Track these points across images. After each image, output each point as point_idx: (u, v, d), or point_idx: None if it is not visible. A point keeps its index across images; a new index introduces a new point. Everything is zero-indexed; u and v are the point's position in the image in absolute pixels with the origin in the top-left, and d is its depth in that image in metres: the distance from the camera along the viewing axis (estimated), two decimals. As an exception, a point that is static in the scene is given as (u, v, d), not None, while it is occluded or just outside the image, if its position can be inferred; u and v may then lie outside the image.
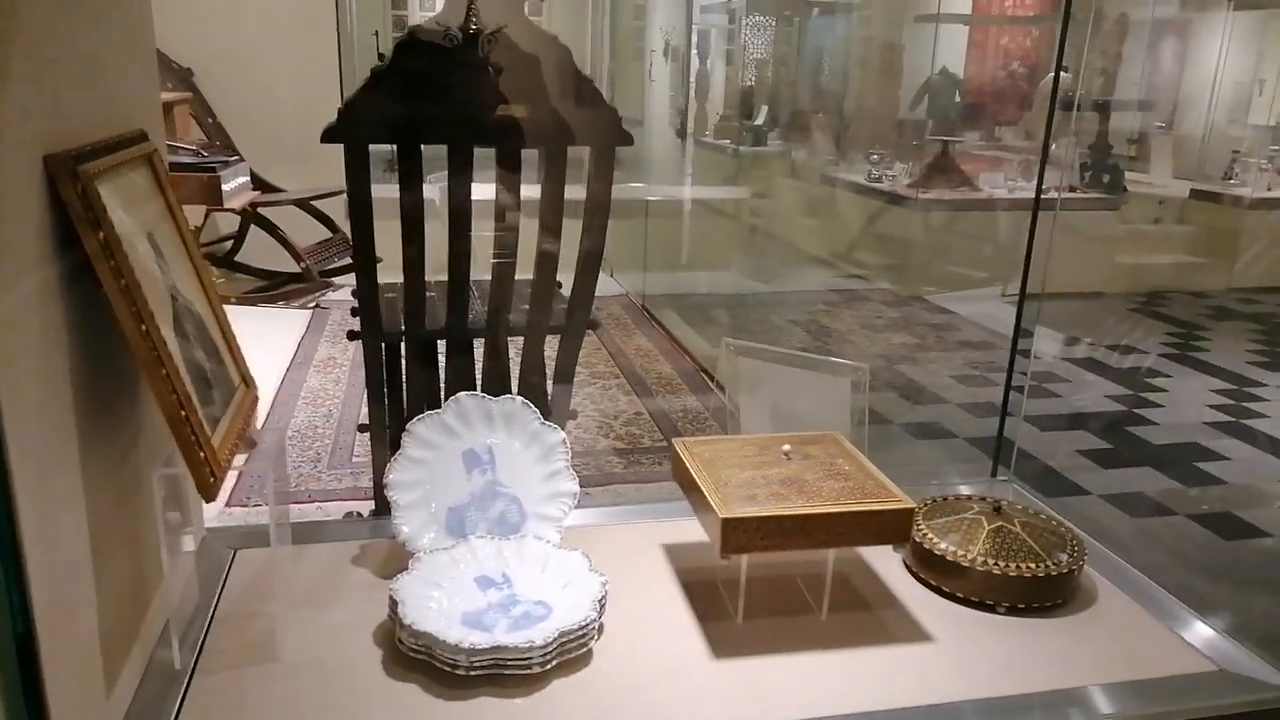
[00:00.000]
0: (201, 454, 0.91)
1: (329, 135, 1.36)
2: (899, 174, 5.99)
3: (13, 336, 0.75)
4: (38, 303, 0.81)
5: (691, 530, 1.37)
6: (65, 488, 0.84)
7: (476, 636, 1.06)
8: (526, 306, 1.70)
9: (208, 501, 0.91)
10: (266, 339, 3.59)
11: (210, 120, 4.23)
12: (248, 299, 4.11)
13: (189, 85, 4.17)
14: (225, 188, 3.48)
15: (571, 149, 1.49)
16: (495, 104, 1.42)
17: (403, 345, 1.63)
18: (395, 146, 1.40)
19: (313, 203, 4.15)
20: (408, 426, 1.30)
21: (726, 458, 1.26)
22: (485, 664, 1.04)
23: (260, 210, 4.00)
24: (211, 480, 0.92)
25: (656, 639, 1.16)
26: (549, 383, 1.63)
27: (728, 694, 1.07)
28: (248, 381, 1.16)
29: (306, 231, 4.27)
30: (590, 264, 1.62)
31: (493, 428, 1.33)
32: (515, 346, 1.60)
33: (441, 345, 1.63)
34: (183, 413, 0.89)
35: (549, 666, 1.06)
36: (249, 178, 3.94)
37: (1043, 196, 1.88)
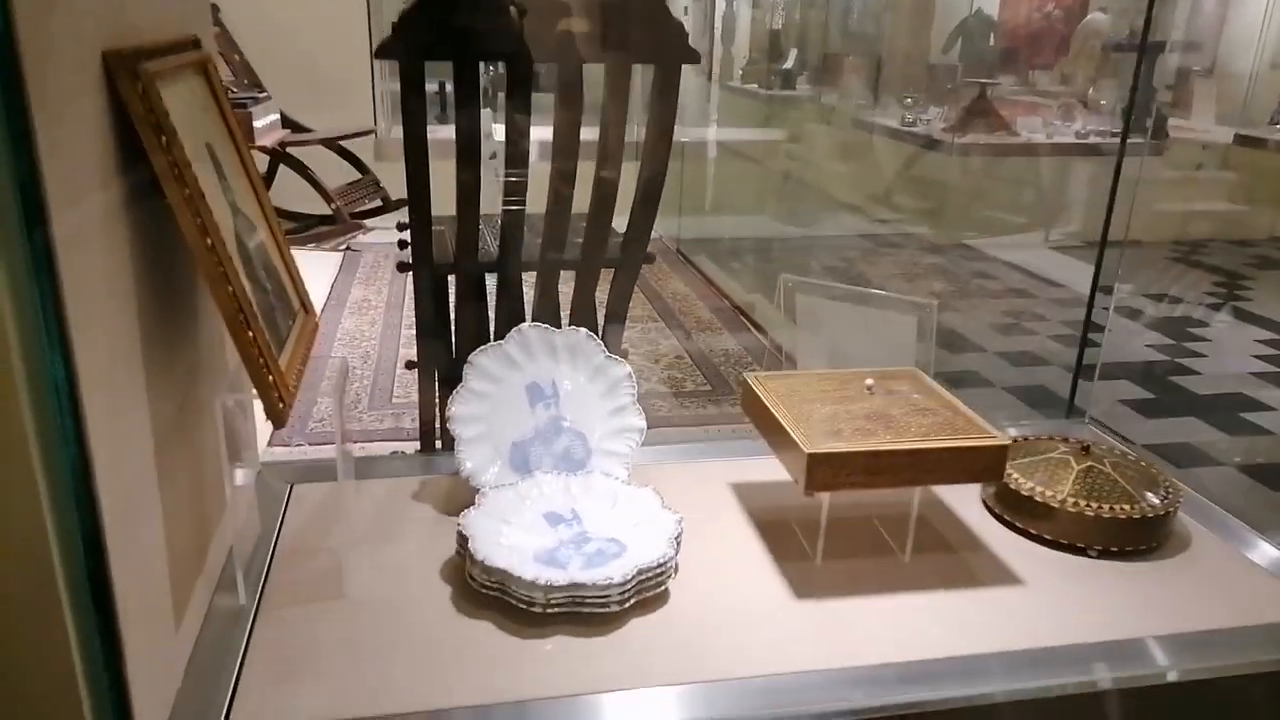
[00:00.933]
0: (270, 376, 0.86)
1: (382, 51, 1.28)
2: (934, 118, 5.83)
3: (78, 241, 0.69)
4: (101, 212, 0.75)
5: (760, 469, 1.32)
6: (130, 406, 0.79)
7: (552, 573, 1.01)
8: (579, 240, 1.64)
9: (277, 426, 0.86)
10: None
11: (237, 58, 4.14)
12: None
13: (215, 20, 4.07)
14: (256, 124, 3.41)
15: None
16: (556, 17, 1.34)
17: (451, 280, 1.58)
18: (451, 65, 1.33)
19: (342, 143, 4.08)
20: (470, 358, 1.24)
21: (804, 392, 1.20)
22: (562, 601, 1.00)
23: (289, 150, 3.93)
24: (280, 405, 0.87)
25: (734, 579, 1.11)
26: (600, 320, 1.57)
27: (812, 636, 1.02)
28: (307, 307, 1.11)
29: (336, 173, 4.20)
30: (650, 194, 1.55)
31: (556, 360, 1.28)
32: (564, 285, 1.53)
33: (491, 285, 1.58)
34: (249, 333, 0.84)
35: (627, 605, 1.01)
36: (279, 116, 3.86)
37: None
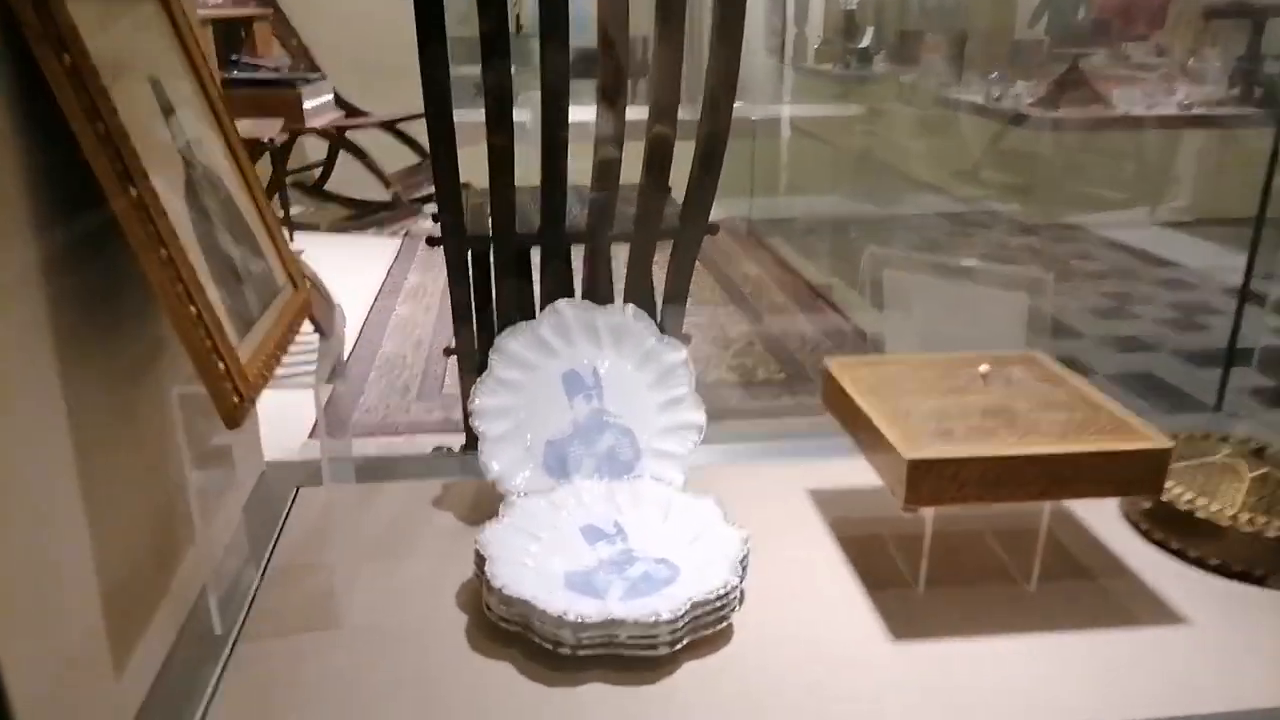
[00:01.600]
0: (220, 364, 0.68)
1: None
2: (1022, 93, 5.47)
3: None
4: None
5: (846, 472, 1.11)
6: (34, 405, 0.62)
7: (585, 606, 0.81)
8: (633, 210, 1.44)
9: (230, 428, 0.69)
10: (355, 267, 3.43)
11: (294, 41, 4.05)
12: (337, 227, 3.96)
13: (270, 3, 3.99)
14: (306, 105, 3.29)
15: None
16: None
17: (491, 254, 1.39)
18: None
19: (400, 127, 3.95)
20: (496, 342, 1.05)
21: (901, 382, 0.97)
22: (597, 642, 0.80)
23: (347, 135, 3.82)
24: (236, 401, 0.69)
25: (814, 613, 0.90)
26: (659, 300, 1.36)
27: (914, 687, 0.80)
28: (297, 282, 0.93)
29: (395, 158, 4.08)
30: (712, 154, 1.34)
31: (598, 344, 1.08)
32: (618, 261, 1.33)
33: (536, 263, 1.39)
34: (192, 308, 0.66)
35: (679, 646, 0.81)
36: (332, 97, 3.75)
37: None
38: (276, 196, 3.72)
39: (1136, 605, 0.91)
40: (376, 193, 4.05)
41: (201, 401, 0.78)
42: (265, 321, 0.81)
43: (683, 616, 0.80)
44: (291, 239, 3.51)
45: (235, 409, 0.69)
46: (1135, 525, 1.02)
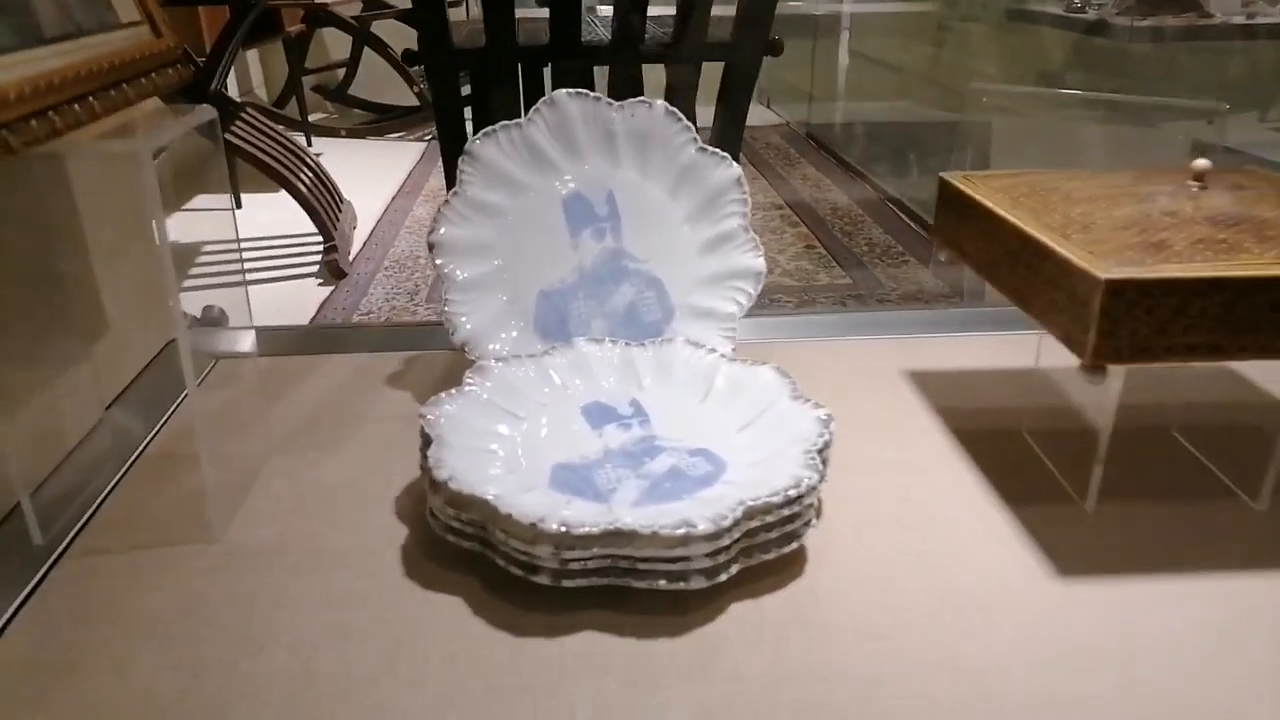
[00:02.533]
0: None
1: None
2: (1107, 2, 4.94)
3: None
4: None
5: (955, 350, 0.81)
6: None
7: (580, 510, 0.52)
8: (665, 34, 1.11)
9: None
10: (374, 169, 3.14)
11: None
12: (358, 133, 3.67)
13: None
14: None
15: None
16: None
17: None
18: None
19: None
20: (468, 146, 0.74)
21: (1068, 192, 0.64)
22: (592, 568, 0.50)
23: (372, 30, 3.50)
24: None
25: (929, 538, 0.59)
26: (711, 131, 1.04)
27: (1085, 648, 0.50)
28: (160, 30, 0.63)
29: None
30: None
31: (615, 156, 0.76)
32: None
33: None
34: None
35: (723, 576, 0.51)
36: (349, -23, 3.42)
37: None
38: (293, 98, 3.44)
39: None
40: (401, 97, 3.74)
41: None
42: (74, 47, 0.51)
43: (730, 529, 0.50)
44: (310, 144, 3.23)
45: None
46: None
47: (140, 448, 0.69)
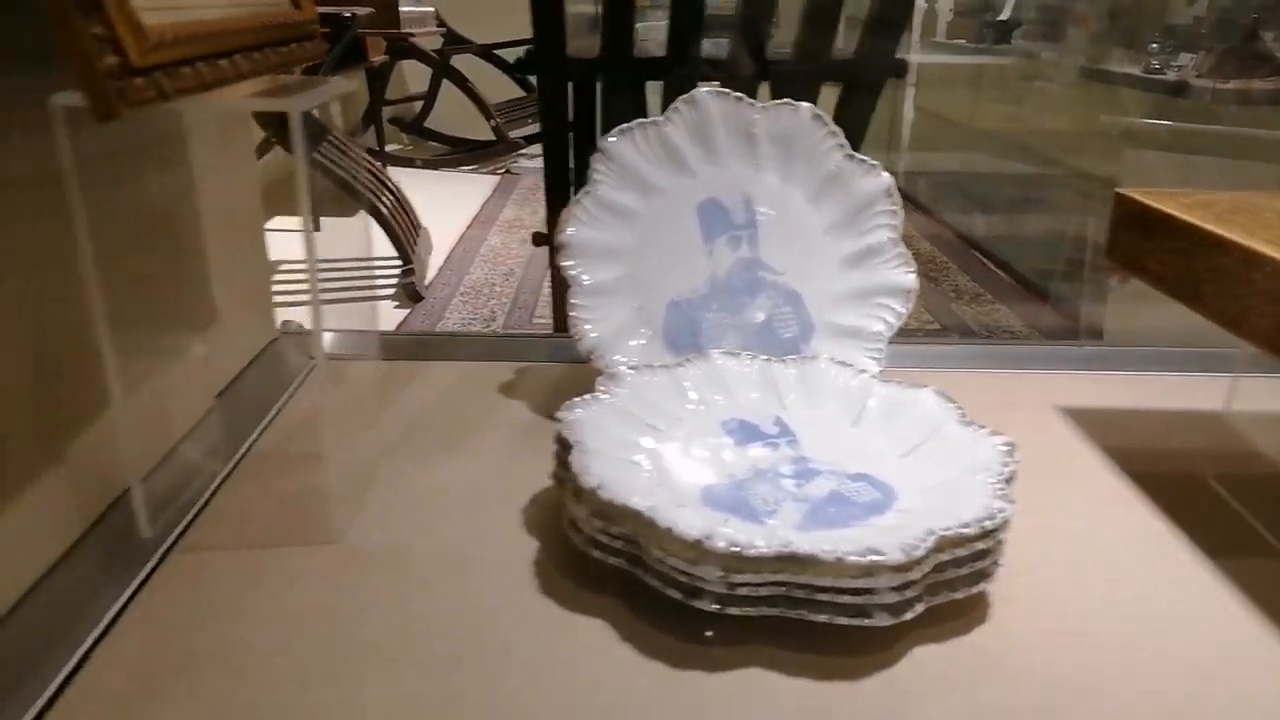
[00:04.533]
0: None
1: None
2: (1186, 64, 4.85)
3: None
4: None
5: (1109, 388, 0.74)
6: None
7: (742, 530, 0.46)
8: (784, 52, 1.07)
9: (100, 119, 0.36)
10: (448, 199, 3.15)
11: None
12: (433, 164, 3.70)
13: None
14: (403, 9, 3.03)
15: None
16: None
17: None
18: None
19: (502, 56, 3.66)
20: (601, 143, 0.70)
21: (1270, 208, 0.58)
22: (763, 594, 0.45)
23: (451, 62, 3.55)
24: (112, 62, 0.36)
25: (1126, 586, 0.52)
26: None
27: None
28: (299, 3, 0.60)
29: (496, 92, 3.80)
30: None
31: (755, 160, 0.72)
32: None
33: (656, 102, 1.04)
34: None
35: (907, 614, 0.45)
36: (434, 11, 3.48)
37: None
38: (372, 127, 3.49)
39: None
40: (476, 131, 3.77)
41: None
42: (224, 3, 0.48)
43: (921, 561, 0.44)
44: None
45: (107, 76, 0.36)
46: None
47: (246, 445, 0.65)
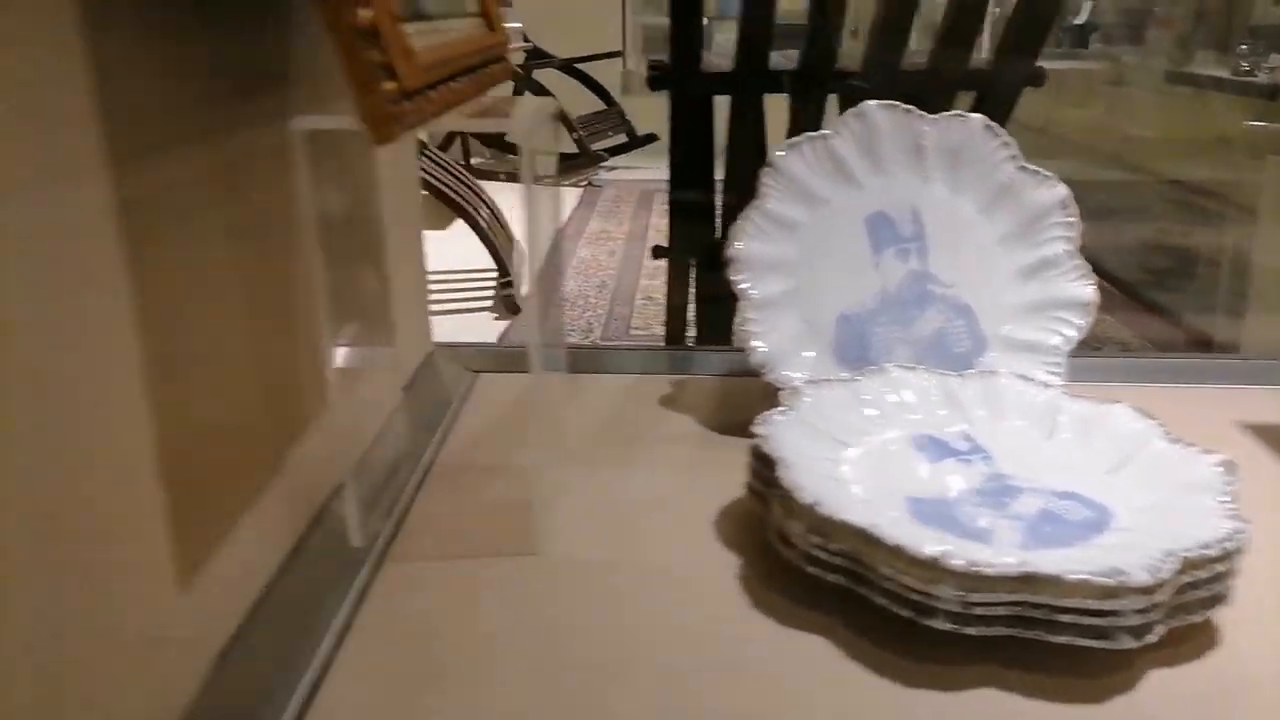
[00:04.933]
0: (362, 9, 0.36)
1: None
2: (1278, 65, 4.66)
3: None
4: None
5: None
6: (61, 170, 0.32)
7: (966, 548, 0.45)
8: (917, 65, 1.06)
9: (379, 136, 0.37)
10: (531, 213, 3.19)
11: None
12: (516, 177, 3.76)
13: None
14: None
15: None
16: None
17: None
18: None
19: (588, 74, 3.71)
20: (772, 158, 0.70)
21: None
22: (998, 614, 0.44)
23: (534, 76, 3.61)
24: (390, 87, 0.37)
25: (1359, 603, 0.50)
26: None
27: None
28: (492, 24, 0.61)
29: (578, 106, 3.85)
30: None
31: (924, 171, 0.71)
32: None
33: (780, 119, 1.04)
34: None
35: (1150, 636, 0.44)
36: (520, 25, 3.54)
37: None
38: (458, 139, 3.55)
39: None
40: (559, 145, 3.83)
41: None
42: (447, 28, 0.49)
43: (1166, 583, 0.43)
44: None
45: (385, 100, 0.37)
46: None
47: (429, 456, 0.67)
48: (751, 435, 0.55)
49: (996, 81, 1.04)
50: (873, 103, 0.70)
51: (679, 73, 1.03)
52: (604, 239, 2.86)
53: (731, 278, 0.69)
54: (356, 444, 0.62)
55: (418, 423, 0.71)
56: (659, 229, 2.89)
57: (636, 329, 2.10)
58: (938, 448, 0.59)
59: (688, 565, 0.54)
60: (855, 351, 0.69)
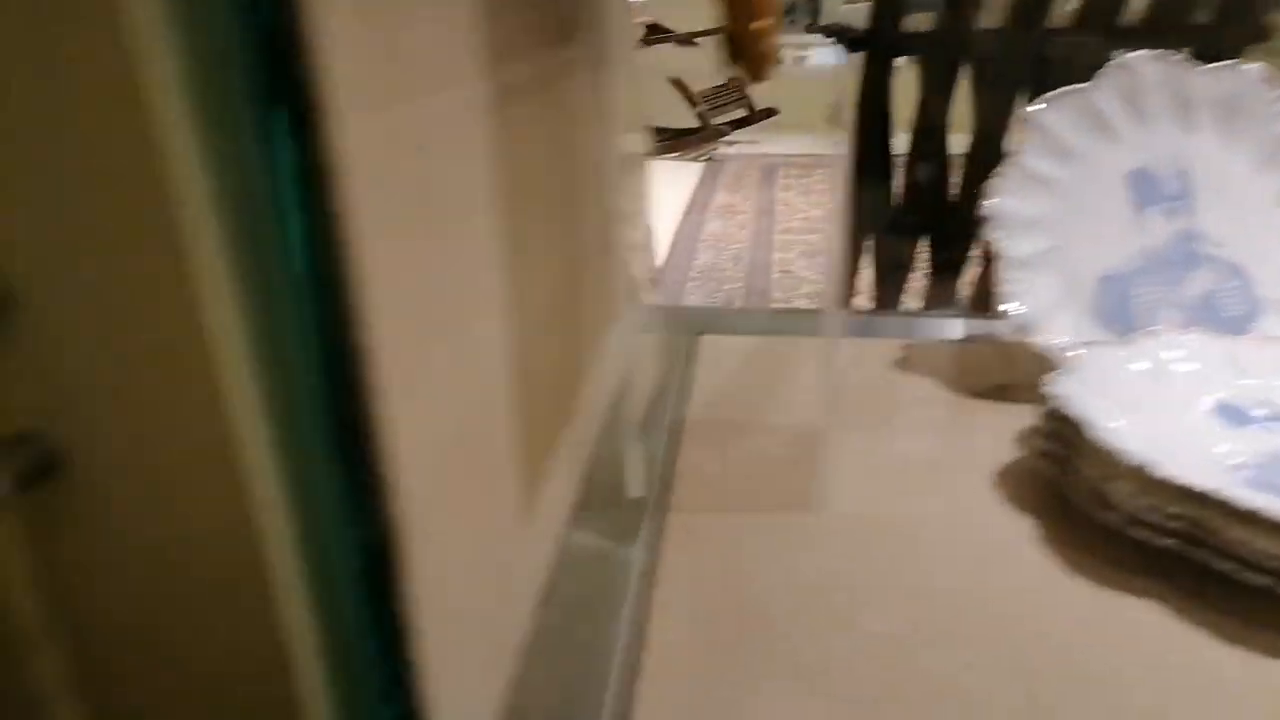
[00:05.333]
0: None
1: None
2: None
3: None
4: None
5: None
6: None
7: (1325, 515, 0.43)
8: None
9: (754, 80, 0.36)
10: (659, 186, 3.20)
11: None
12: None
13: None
14: None
15: None
16: None
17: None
18: None
19: (700, 43, 3.67)
20: (1028, 113, 0.67)
21: None
22: (1371, 584, 0.41)
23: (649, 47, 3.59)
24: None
25: None
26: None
27: None
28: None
29: (696, 80, 3.81)
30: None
31: (1189, 126, 0.67)
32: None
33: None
34: None
35: None
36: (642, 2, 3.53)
37: None
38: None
39: None
40: (676, 119, 3.80)
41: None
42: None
43: None
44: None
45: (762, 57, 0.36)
46: None
47: (675, 413, 0.67)
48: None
49: (1220, 40, 0.97)
50: (1141, 52, 0.67)
51: (880, 34, 1.00)
52: (732, 212, 2.84)
53: (989, 235, 0.66)
54: (618, 393, 0.62)
55: (661, 378, 0.71)
56: (786, 203, 2.85)
57: (776, 300, 2.08)
58: (1235, 414, 0.56)
59: (980, 529, 0.52)
60: (1117, 314, 0.66)
